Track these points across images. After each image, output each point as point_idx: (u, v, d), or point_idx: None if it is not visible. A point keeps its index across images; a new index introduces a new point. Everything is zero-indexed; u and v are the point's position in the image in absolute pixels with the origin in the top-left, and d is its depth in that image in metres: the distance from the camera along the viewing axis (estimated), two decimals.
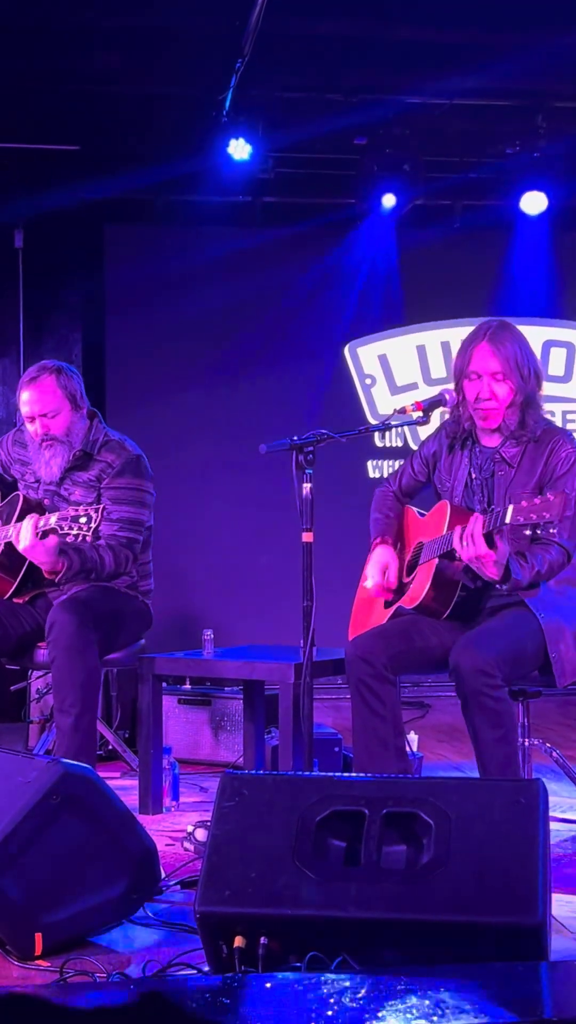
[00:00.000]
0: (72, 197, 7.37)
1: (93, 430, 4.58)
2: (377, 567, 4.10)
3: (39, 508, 4.49)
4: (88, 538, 4.08)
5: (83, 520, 4.03)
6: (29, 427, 4.58)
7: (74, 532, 4.04)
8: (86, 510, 4.05)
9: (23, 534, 4.19)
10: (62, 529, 4.07)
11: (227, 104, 6.67)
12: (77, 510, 4.07)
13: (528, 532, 3.49)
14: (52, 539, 4.18)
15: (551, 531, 3.44)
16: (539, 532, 3.45)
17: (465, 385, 3.93)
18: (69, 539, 4.10)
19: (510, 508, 3.50)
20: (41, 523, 4.14)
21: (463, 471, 3.99)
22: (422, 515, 4.16)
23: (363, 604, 4.25)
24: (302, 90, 6.78)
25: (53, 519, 4.11)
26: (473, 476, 3.97)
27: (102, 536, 4.40)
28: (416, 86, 6.71)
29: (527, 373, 3.88)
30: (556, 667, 3.79)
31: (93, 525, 4.03)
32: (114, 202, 7.60)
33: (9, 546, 4.41)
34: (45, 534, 4.16)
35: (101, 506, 4.14)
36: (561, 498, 3.41)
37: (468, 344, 3.94)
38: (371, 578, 4.10)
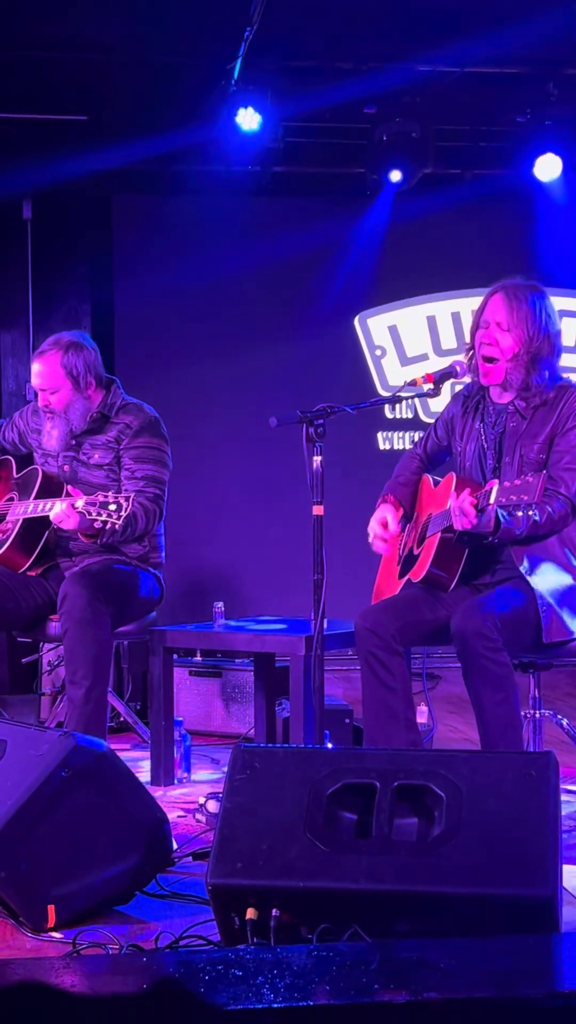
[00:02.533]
0: (80, 167, 7.33)
1: (111, 395, 4.61)
2: (376, 521, 4.14)
3: (58, 483, 4.51)
4: (117, 526, 4.08)
5: (112, 508, 4.01)
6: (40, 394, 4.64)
7: (102, 519, 4.03)
8: (115, 497, 4.02)
9: (63, 515, 4.18)
10: (89, 515, 4.05)
11: (236, 73, 6.62)
12: (107, 496, 4.04)
13: (496, 516, 3.54)
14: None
15: (530, 513, 3.47)
16: (519, 513, 3.48)
17: (476, 336, 3.94)
18: (96, 525, 4.09)
19: (494, 488, 3.51)
20: (79, 503, 4.12)
21: (475, 432, 4.01)
22: (437, 484, 4.17)
23: (383, 579, 4.26)
24: (311, 59, 6.73)
25: (80, 503, 4.09)
26: (484, 437, 3.98)
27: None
28: (426, 54, 6.65)
29: (534, 332, 3.87)
30: (545, 621, 3.79)
31: (123, 513, 4.01)
32: (122, 172, 7.56)
33: (28, 522, 4.44)
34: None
35: (131, 495, 4.12)
36: (540, 479, 3.42)
37: (486, 295, 3.98)
38: (371, 532, 4.13)
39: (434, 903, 2.50)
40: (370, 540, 4.16)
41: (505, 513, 3.56)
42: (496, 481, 3.59)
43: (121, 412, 4.57)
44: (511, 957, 2.10)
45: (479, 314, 3.97)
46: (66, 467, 4.58)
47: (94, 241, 7.73)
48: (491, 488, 3.54)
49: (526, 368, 3.88)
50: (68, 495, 4.30)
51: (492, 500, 3.51)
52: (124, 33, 6.39)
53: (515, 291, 3.91)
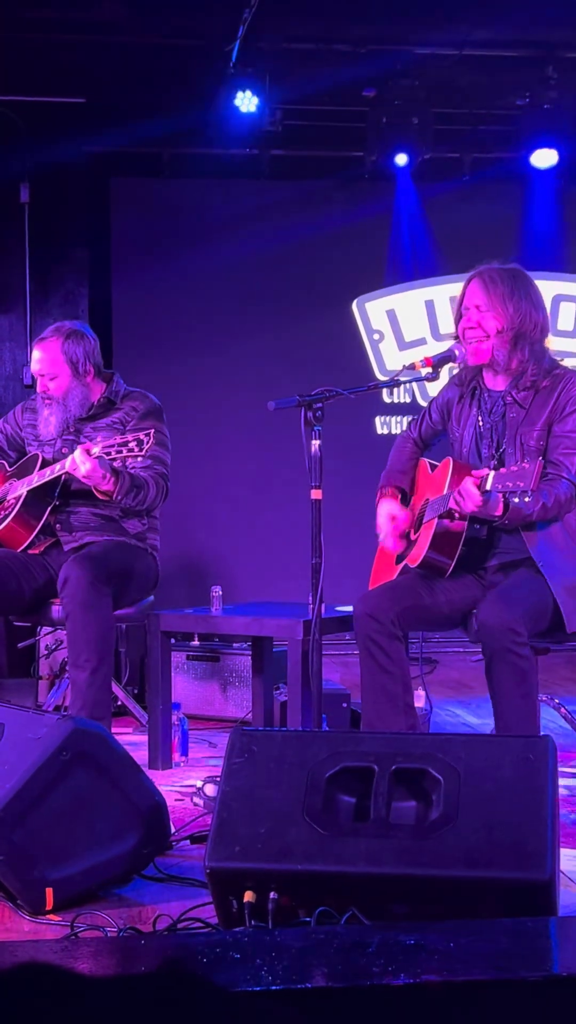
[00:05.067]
0: (78, 150, 7.32)
1: (114, 384, 4.67)
2: (384, 519, 4.15)
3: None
4: (138, 461, 4.14)
5: (133, 444, 4.05)
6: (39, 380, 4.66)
7: (122, 456, 4.08)
8: (136, 436, 4.07)
9: (79, 460, 4.20)
10: (109, 455, 4.10)
11: (234, 55, 6.60)
12: (125, 436, 4.10)
13: (503, 498, 3.55)
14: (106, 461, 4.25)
15: (526, 499, 3.48)
16: (515, 500, 3.49)
17: (460, 324, 3.97)
18: (117, 464, 4.14)
19: (491, 475, 3.53)
20: (95, 449, 4.15)
21: (472, 419, 4.02)
22: (434, 468, 4.16)
23: (380, 564, 4.27)
24: (310, 41, 6.70)
25: (96, 449, 4.13)
26: (481, 422, 3.99)
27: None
28: (425, 37, 6.64)
29: (513, 310, 3.89)
30: (566, 612, 3.80)
31: (146, 448, 4.05)
32: (120, 155, 7.55)
33: (32, 495, 4.47)
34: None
35: (152, 429, 4.16)
36: (536, 466, 3.43)
37: (464, 283, 4.02)
38: (383, 533, 4.14)
39: (432, 886, 2.50)
40: (382, 539, 4.17)
41: (514, 498, 3.56)
42: (486, 468, 3.61)
43: (127, 399, 4.65)
44: (509, 940, 2.11)
45: (459, 303, 4.00)
46: (64, 449, 4.60)
47: (92, 224, 7.71)
48: (487, 475, 3.55)
49: (511, 344, 3.90)
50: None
51: (489, 486, 3.53)
52: (122, 15, 6.36)
53: (491, 275, 3.95)
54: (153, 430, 4.19)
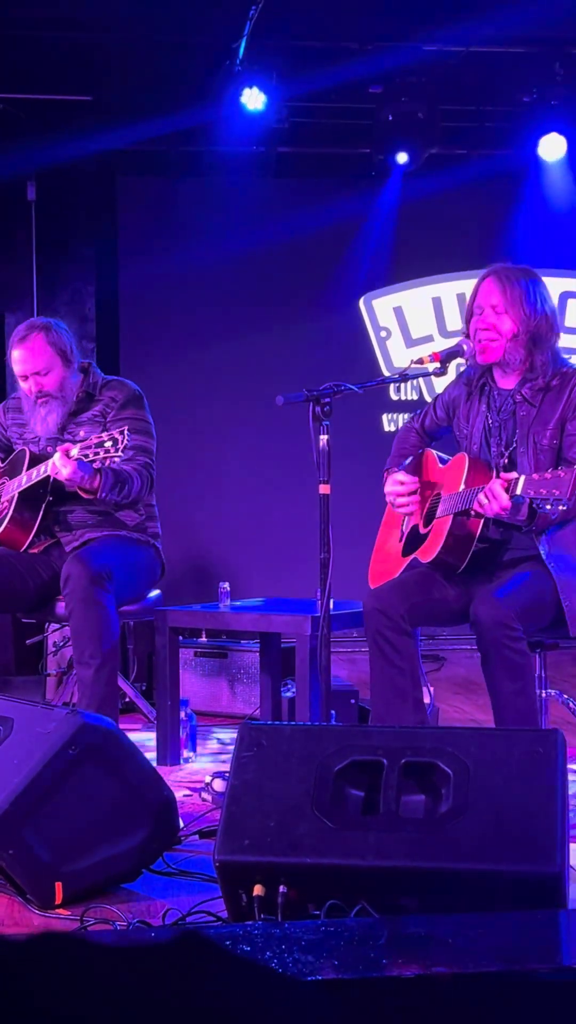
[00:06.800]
0: (85, 148, 7.32)
1: (91, 375, 4.62)
2: (391, 485, 4.12)
3: (46, 459, 4.51)
4: (116, 460, 4.11)
5: (108, 444, 4.03)
6: (23, 385, 4.60)
7: (100, 457, 4.06)
8: (110, 435, 4.05)
9: (60, 464, 4.18)
10: (87, 458, 4.09)
11: (241, 53, 6.60)
12: (100, 436, 4.08)
13: (535, 507, 3.52)
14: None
15: (560, 508, 3.44)
16: (548, 508, 3.45)
17: (472, 323, 3.94)
18: (96, 465, 4.13)
19: (521, 479, 3.50)
20: (74, 451, 4.13)
21: (480, 417, 3.99)
22: (443, 461, 4.14)
23: (381, 555, 4.25)
24: (317, 38, 6.71)
25: (75, 451, 4.11)
26: (490, 420, 3.97)
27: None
28: (432, 34, 6.64)
29: (530, 312, 3.86)
30: (569, 616, 3.79)
31: (120, 447, 4.03)
32: (127, 153, 7.56)
33: (24, 495, 4.45)
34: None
35: (125, 427, 4.14)
36: (572, 474, 3.39)
37: (477, 281, 3.97)
38: (391, 496, 4.10)
39: (441, 879, 2.50)
40: (393, 504, 4.14)
41: (546, 505, 3.53)
42: (516, 473, 3.58)
43: (105, 389, 4.59)
44: (519, 933, 2.11)
45: (472, 301, 3.95)
46: (49, 448, 4.56)
47: (99, 223, 7.72)
48: (516, 479, 3.52)
49: (527, 348, 3.87)
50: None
51: (519, 491, 3.50)
52: (128, 12, 6.37)
53: (506, 273, 3.90)
54: (127, 427, 4.16)
